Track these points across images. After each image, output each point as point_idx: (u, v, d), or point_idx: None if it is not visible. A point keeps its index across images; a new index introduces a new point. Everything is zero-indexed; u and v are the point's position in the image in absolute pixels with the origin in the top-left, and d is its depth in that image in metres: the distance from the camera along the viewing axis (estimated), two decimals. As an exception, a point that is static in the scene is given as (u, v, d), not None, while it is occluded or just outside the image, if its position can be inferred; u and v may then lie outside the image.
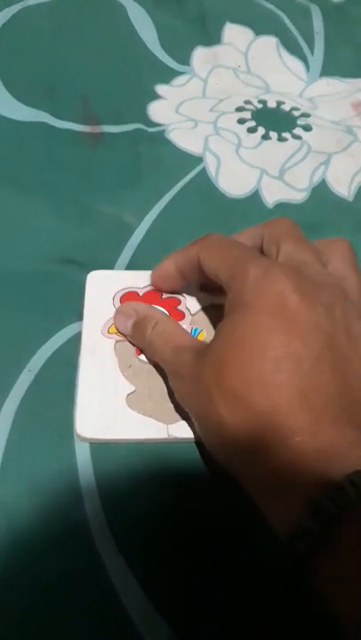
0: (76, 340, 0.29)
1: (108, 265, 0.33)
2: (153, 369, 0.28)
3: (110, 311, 0.30)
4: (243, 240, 0.28)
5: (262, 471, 0.21)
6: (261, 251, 0.28)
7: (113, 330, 0.29)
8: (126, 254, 0.33)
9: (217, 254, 0.26)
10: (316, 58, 0.46)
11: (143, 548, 0.25)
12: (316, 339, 0.22)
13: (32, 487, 0.26)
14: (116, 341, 0.29)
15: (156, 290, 0.31)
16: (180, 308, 0.30)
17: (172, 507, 0.26)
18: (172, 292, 0.31)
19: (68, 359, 0.29)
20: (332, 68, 0.45)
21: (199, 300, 0.31)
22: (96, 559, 0.24)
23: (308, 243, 0.27)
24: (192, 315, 0.30)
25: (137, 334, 0.28)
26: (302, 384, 0.21)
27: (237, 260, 0.25)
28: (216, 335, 0.24)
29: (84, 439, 0.27)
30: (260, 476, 0.22)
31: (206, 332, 0.30)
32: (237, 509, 0.24)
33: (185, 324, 0.30)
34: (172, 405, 0.27)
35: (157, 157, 0.38)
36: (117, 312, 0.29)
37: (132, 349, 0.29)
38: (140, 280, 0.31)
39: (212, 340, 0.24)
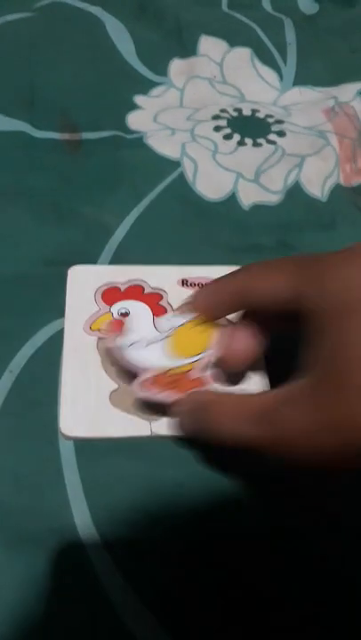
0: (57, 338, 0.30)
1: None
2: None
3: (92, 307, 0.30)
4: None
5: None
6: None
7: (95, 326, 0.30)
8: (106, 255, 0.34)
9: (268, 272, 0.23)
10: (289, 68, 0.47)
11: (128, 544, 0.25)
12: None
13: (17, 486, 0.26)
14: (99, 339, 0.29)
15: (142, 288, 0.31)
16: (161, 303, 0.31)
17: (156, 502, 0.26)
18: (209, 321, 0.27)
19: (50, 358, 0.30)
20: (304, 77, 0.47)
21: (182, 296, 0.31)
22: (82, 555, 0.25)
23: None
24: (174, 310, 0.31)
25: (199, 428, 0.24)
26: None
27: (299, 267, 0.21)
28: (320, 360, 0.20)
29: (68, 437, 0.27)
30: None
31: None
32: (221, 503, 0.25)
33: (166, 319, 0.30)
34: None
35: (136, 162, 0.39)
36: (177, 412, 0.25)
37: None
38: (122, 275, 0.31)
39: (313, 371, 0.20)
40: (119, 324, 0.29)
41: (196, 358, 0.26)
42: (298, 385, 0.20)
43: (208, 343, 0.26)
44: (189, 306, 0.26)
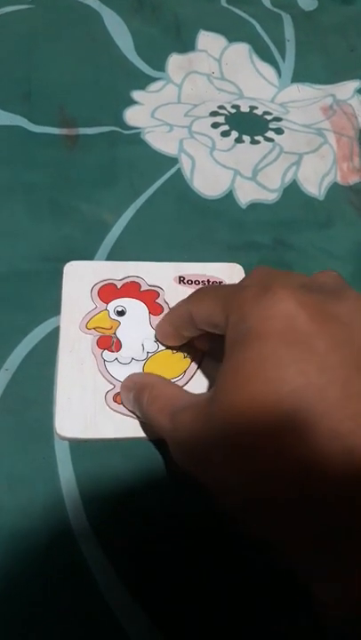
0: (54, 336, 0.30)
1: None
2: (132, 367, 0.29)
3: (89, 305, 0.30)
4: None
5: (309, 532, 0.18)
6: None
7: (92, 325, 0.30)
8: (103, 251, 0.34)
9: (207, 298, 0.23)
10: (288, 64, 0.47)
11: (123, 543, 0.25)
12: (339, 362, 0.18)
13: (12, 486, 0.26)
14: (95, 337, 0.29)
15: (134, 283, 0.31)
16: (158, 301, 0.31)
17: (151, 501, 0.26)
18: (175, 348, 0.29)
19: (45, 356, 0.29)
20: (302, 74, 0.46)
21: (178, 293, 0.31)
22: (76, 554, 0.25)
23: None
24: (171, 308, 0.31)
25: (137, 408, 0.25)
26: (336, 416, 0.17)
27: (229, 293, 0.22)
28: (218, 381, 0.20)
29: (63, 438, 0.27)
30: (306, 539, 0.18)
31: None
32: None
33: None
34: None
35: (133, 158, 0.38)
36: (121, 387, 0.27)
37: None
38: (119, 271, 0.31)
39: (214, 389, 0.20)
40: (108, 342, 0.29)
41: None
42: (206, 394, 0.22)
43: (184, 368, 0.29)
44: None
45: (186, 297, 0.26)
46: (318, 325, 0.19)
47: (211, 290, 0.25)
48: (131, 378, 0.27)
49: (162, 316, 0.30)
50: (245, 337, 0.19)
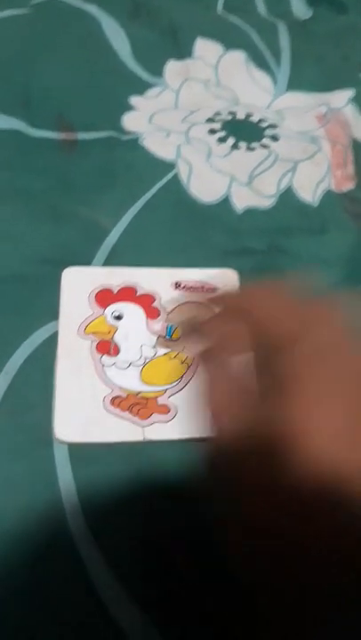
0: (52, 341, 0.30)
1: (84, 265, 0.33)
2: (130, 371, 0.29)
3: (86, 310, 0.30)
4: None
5: None
6: None
7: (90, 330, 0.30)
8: (102, 255, 0.34)
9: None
10: (283, 72, 0.48)
11: (121, 544, 0.26)
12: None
13: (11, 489, 0.26)
14: (94, 342, 0.30)
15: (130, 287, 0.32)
16: (155, 305, 0.31)
17: (148, 504, 0.27)
18: None
19: (44, 361, 0.30)
20: (297, 82, 0.47)
21: (174, 298, 0.32)
22: (75, 556, 0.25)
23: None
24: (167, 312, 0.31)
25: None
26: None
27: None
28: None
29: (62, 442, 0.27)
30: None
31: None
32: (210, 504, 0.25)
33: (160, 322, 0.31)
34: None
35: (131, 163, 0.39)
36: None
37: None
38: (115, 277, 0.32)
39: None
40: (107, 346, 0.30)
41: (165, 387, 0.29)
42: None
43: (181, 373, 0.29)
44: (168, 342, 0.30)
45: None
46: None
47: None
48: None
49: (158, 319, 0.31)
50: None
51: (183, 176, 0.39)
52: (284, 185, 0.40)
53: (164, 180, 0.39)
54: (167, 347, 0.30)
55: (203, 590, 0.25)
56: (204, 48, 0.48)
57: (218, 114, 0.44)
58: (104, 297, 0.31)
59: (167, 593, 0.25)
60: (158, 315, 0.31)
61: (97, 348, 0.29)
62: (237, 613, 0.25)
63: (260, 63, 0.48)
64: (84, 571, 0.25)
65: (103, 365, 0.29)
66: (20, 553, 0.25)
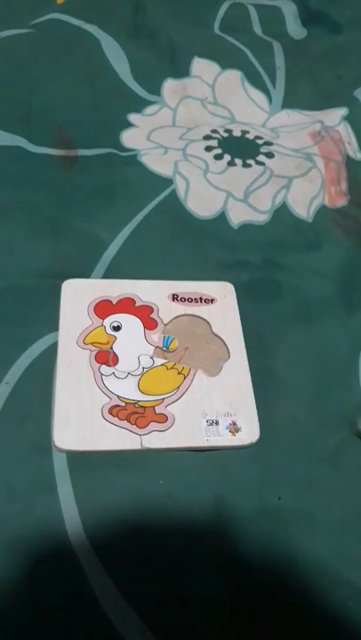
0: (52, 351, 0.31)
1: (83, 278, 0.34)
2: (128, 381, 0.30)
3: (86, 321, 0.31)
4: None
5: None
6: None
7: (89, 340, 0.31)
8: (100, 268, 0.35)
9: None
10: (278, 91, 0.49)
11: (118, 551, 0.26)
12: None
13: (11, 496, 0.27)
14: (92, 352, 0.30)
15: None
16: (152, 316, 0.32)
17: (145, 511, 0.27)
18: None
19: (44, 370, 0.30)
20: (292, 100, 0.48)
21: (172, 310, 0.32)
22: (72, 561, 0.25)
23: None
24: (165, 324, 0.32)
25: None
26: None
27: None
28: None
29: (61, 450, 0.28)
30: None
31: (178, 341, 0.31)
32: (206, 512, 0.25)
33: (157, 333, 0.31)
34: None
35: (130, 179, 0.40)
36: None
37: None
38: (114, 289, 0.33)
39: None
40: (106, 356, 0.30)
41: (163, 396, 0.29)
42: None
43: (175, 385, 0.30)
44: (165, 352, 0.31)
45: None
46: None
47: None
48: None
49: (155, 331, 0.31)
50: None
51: (181, 191, 0.40)
52: (279, 201, 0.41)
53: (162, 196, 0.39)
54: (164, 357, 0.31)
55: (203, 597, 0.25)
56: (202, 67, 0.49)
57: (214, 131, 0.45)
58: (103, 308, 0.32)
59: (166, 599, 0.25)
60: (156, 326, 0.32)
61: (96, 357, 0.30)
62: (238, 614, 0.25)
63: (256, 82, 0.49)
64: (83, 575, 0.25)
65: (102, 375, 0.29)
66: (19, 559, 0.25)
